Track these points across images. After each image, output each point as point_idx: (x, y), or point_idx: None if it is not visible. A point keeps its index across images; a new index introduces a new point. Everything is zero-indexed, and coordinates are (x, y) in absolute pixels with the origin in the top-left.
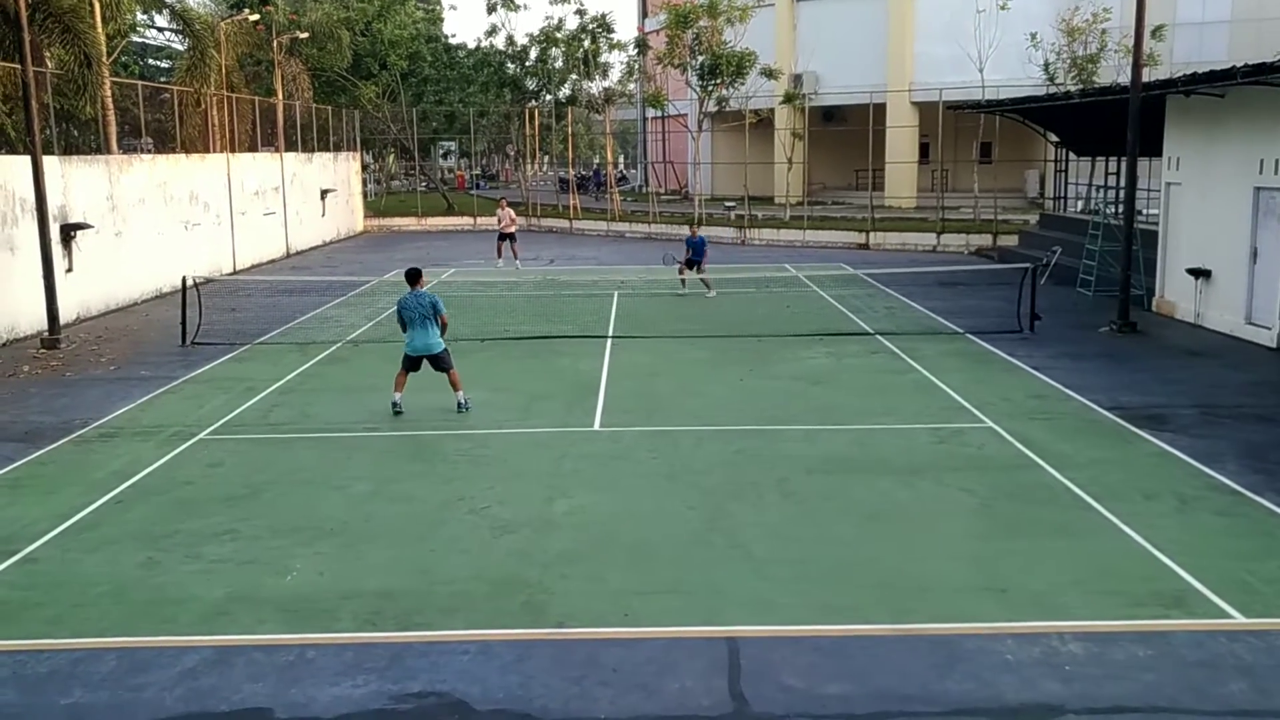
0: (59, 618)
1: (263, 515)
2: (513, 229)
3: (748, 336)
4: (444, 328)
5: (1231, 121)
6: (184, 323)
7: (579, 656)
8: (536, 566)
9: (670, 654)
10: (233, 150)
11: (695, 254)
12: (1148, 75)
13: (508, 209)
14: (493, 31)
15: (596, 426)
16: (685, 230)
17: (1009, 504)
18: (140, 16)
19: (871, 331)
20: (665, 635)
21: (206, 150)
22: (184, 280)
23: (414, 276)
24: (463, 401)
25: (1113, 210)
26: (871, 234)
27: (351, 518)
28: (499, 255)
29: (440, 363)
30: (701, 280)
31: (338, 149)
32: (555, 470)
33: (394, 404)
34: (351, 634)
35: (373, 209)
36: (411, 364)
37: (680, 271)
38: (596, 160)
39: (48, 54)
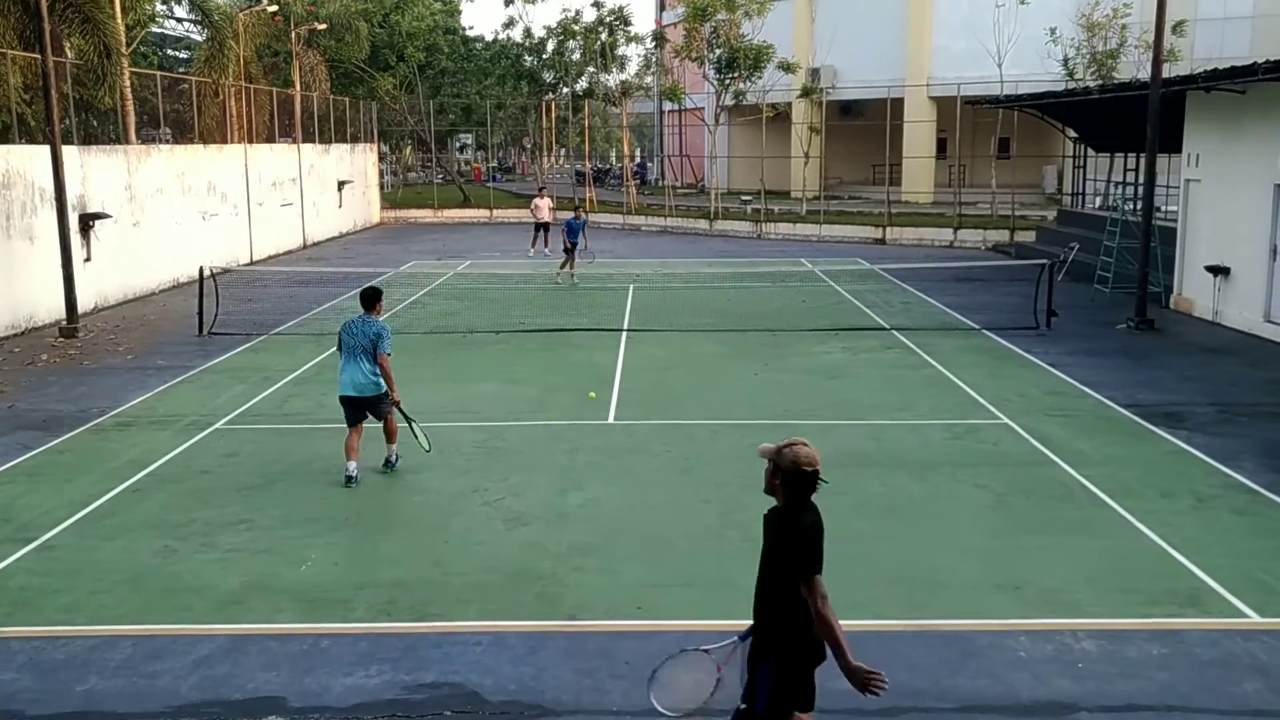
0: (76, 605)
1: (278, 505)
2: (547, 218)
3: (763, 330)
4: (385, 373)
5: (1252, 118)
6: (201, 313)
7: (592, 649)
8: (550, 558)
9: (683, 647)
10: (250, 141)
11: (572, 237)
12: (1168, 71)
13: (545, 198)
14: (510, 24)
15: (611, 419)
16: (701, 223)
17: (1024, 500)
18: (159, 7)
19: (887, 326)
20: (679, 628)
21: (224, 141)
22: (201, 270)
23: (369, 300)
24: (392, 458)
25: (1131, 207)
26: (888, 229)
27: (366, 508)
28: (545, 244)
29: (375, 410)
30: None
31: (355, 140)
32: (569, 463)
33: (347, 476)
34: (365, 624)
35: (389, 201)
36: (351, 410)
37: (563, 265)
38: (613, 154)
39: (67, 44)
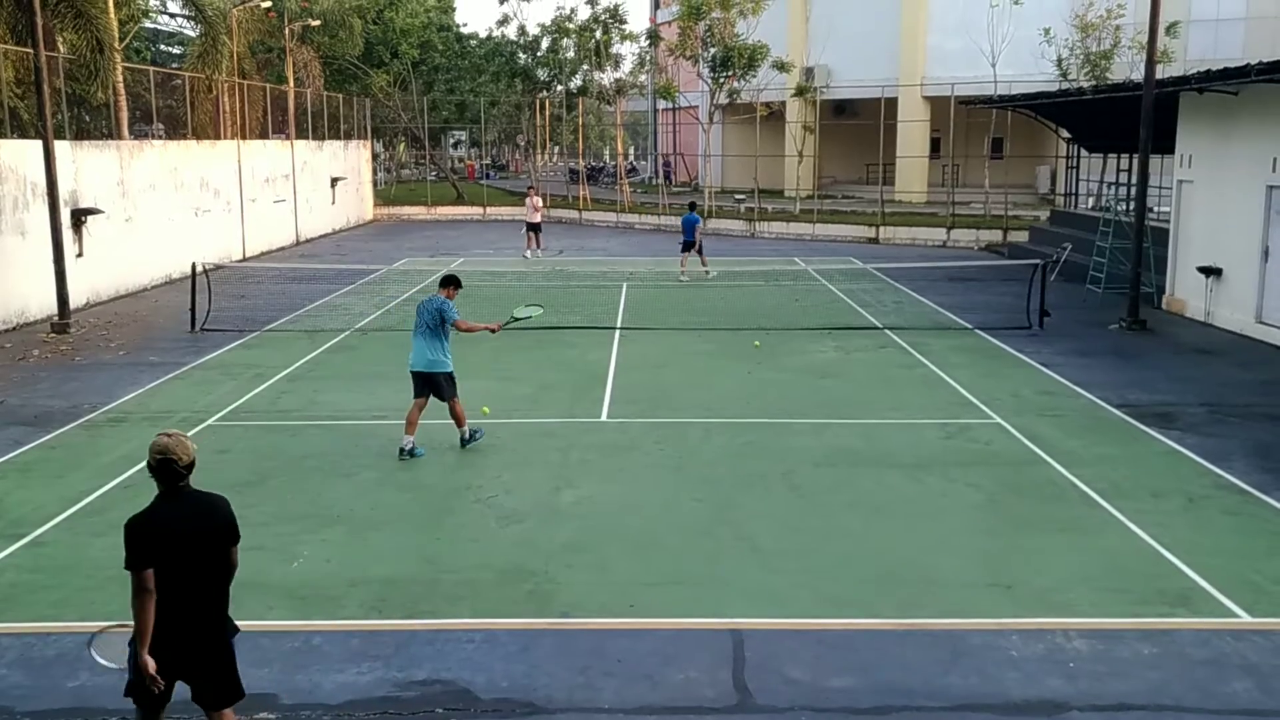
0: (66, 601)
1: (270, 502)
2: (537, 217)
3: (756, 329)
4: (469, 329)
5: (1245, 119)
6: (193, 309)
7: (584, 646)
8: (542, 556)
9: (675, 645)
10: (243, 137)
11: (688, 234)
12: (1161, 72)
13: (535, 196)
14: (504, 21)
15: (604, 417)
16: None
17: (1016, 500)
18: (153, 2)
19: (880, 326)
20: (670, 626)
21: (217, 137)
22: (194, 266)
23: (445, 282)
24: (467, 436)
25: (1124, 207)
26: (881, 228)
27: (358, 505)
28: (529, 245)
29: (437, 389)
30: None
31: (348, 137)
32: (562, 460)
33: (400, 449)
34: (358, 621)
35: (382, 197)
36: (417, 383)
37: (685, 263)
38: (606, 152)
39: (60, 39)
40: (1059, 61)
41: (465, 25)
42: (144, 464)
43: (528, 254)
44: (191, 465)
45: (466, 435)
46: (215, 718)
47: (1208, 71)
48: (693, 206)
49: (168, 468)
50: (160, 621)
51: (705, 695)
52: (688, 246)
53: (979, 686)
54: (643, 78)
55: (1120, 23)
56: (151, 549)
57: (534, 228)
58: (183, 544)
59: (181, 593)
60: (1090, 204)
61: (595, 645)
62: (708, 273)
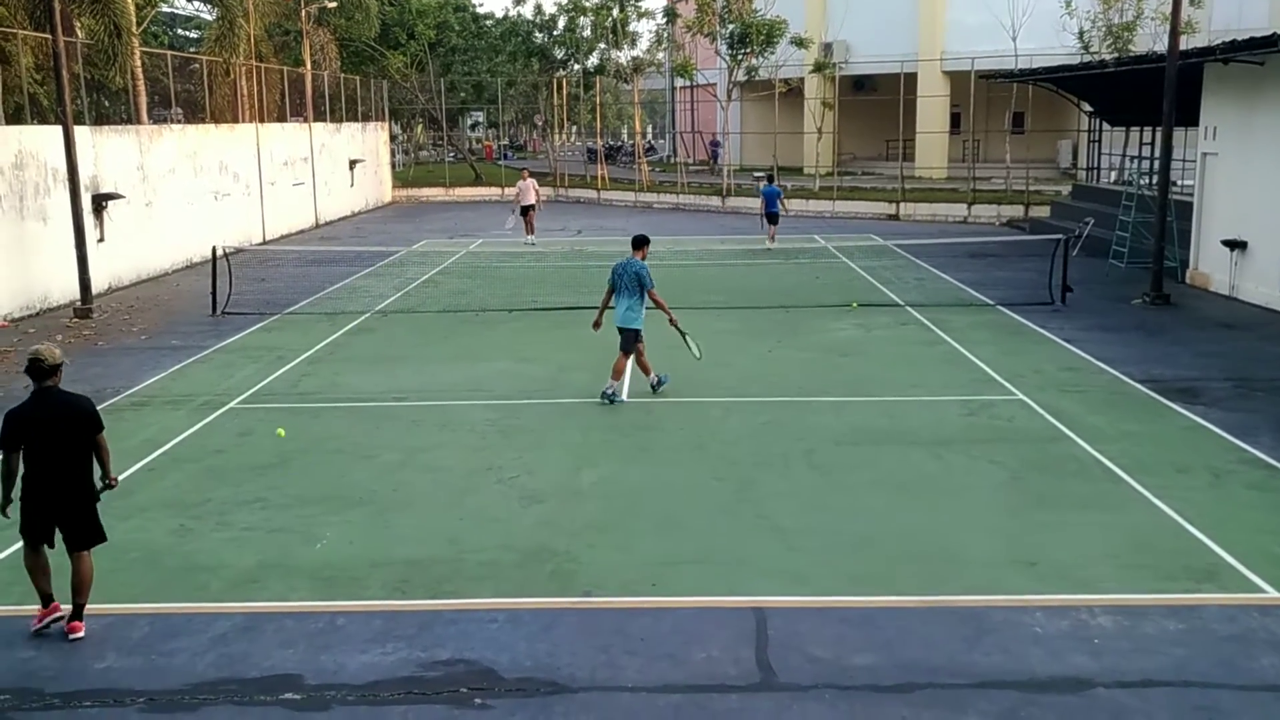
0: (93, 583)
1: (293, 484)
2: (531, 200)
3: (776, 307)
4: (658, 304)
5: (1271, 90)
6: (214, 292)
7: (606, 625)
8: (564, 536)
9: (697, 624)
10: (261, 120)
11: (770, 205)
12: (1185, 43)
13: (529, 179)
14: (520, 0)
15: (624, 397)
16: (714, 200)
17: (1039, 476)
18: None
19: (901, 303)
20: (692, 605)
21: (235, 120)
22: (214, 250)
23: (636, 243)
24: (654, 382)
25: (1146, 181)
26: (901, 205)
27: (381, 487)
28: (528, 231)
29: (626, 342)
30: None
31: (366, 119)
32: (583, 440)
33: (604, 393)
34: (381, 602)
35: (401, 179)
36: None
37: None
38: (624, 131)
39: (78, 24)
40: (1081, 34)
41: (481, 5)
42: (168, 447)
43: (529, 239)
44: (56, 367)
45: (654, 381)
46: (75, 557)
47: (1233, 41)
48: (770, 179)
49: (36, 366)
50: (36, 485)
51: (728, 673)
52: (773, 219)
53: (1003, 663)
54: (660, 55)
55: None
56: (17, 434)
57: (528, 209)
58: (44, 430)
59: (48, 465)
60: (1112, 178)
61: (618, 624)
62: (769, 247)
